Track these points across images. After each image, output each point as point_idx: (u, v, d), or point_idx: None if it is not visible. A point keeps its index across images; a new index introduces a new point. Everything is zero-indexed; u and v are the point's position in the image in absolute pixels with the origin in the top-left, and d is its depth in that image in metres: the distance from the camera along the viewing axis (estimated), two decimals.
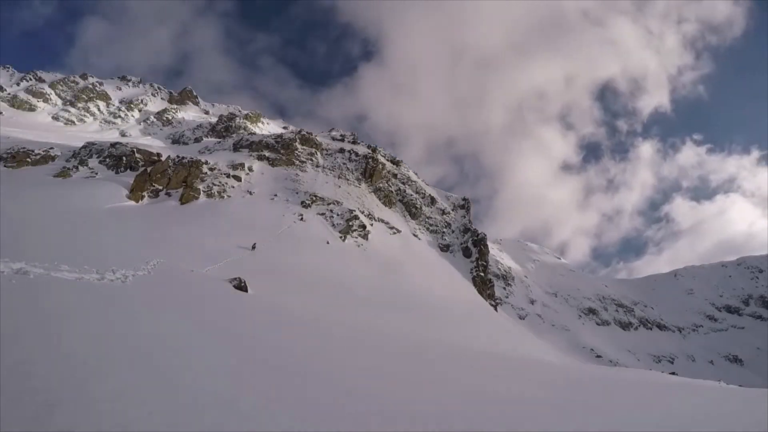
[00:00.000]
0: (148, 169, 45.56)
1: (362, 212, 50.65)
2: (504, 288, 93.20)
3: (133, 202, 41.04)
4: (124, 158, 50.25)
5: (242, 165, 53.61)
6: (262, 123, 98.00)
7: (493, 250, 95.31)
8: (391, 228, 52.56)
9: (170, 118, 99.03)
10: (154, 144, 72.75)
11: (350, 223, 45.83)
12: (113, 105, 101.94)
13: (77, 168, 48.44)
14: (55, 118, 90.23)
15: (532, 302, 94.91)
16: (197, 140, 79.63)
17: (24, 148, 50.50)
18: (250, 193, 48.91)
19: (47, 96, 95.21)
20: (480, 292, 52.46)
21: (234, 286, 16.85)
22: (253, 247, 30.58)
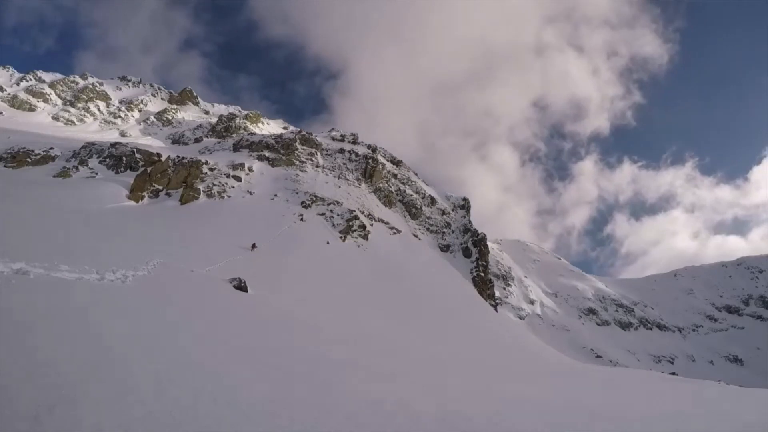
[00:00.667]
0: (148, 170, 45.56)
1: (362, 212, 50.65)
2: (504, 288, 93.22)
3: (133, 203, 41.04)
4: (124, 158, 50.27)
5: (242, 165, 53.63)
6: (262, 123, 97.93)
7: (493, 250, 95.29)
8: (391, 228, 52.55)
9: (170, 118, 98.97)
10: (154, 144, 72.79)
11: (350, 224, 45.83)
12: (113, 105, 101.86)
13: (77, 168, 48.45)
14: (55, 118, 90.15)
15: (532, 302, 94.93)
16: (197, 140, 79.60)
17: (24, 148, 50.51)
18: (250, 193, 48.91)
19: (47, 96, 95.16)
20: (480, 292, 52.45)
21: (234, 286, 16.82)
22: (253, 247, 30.55)
